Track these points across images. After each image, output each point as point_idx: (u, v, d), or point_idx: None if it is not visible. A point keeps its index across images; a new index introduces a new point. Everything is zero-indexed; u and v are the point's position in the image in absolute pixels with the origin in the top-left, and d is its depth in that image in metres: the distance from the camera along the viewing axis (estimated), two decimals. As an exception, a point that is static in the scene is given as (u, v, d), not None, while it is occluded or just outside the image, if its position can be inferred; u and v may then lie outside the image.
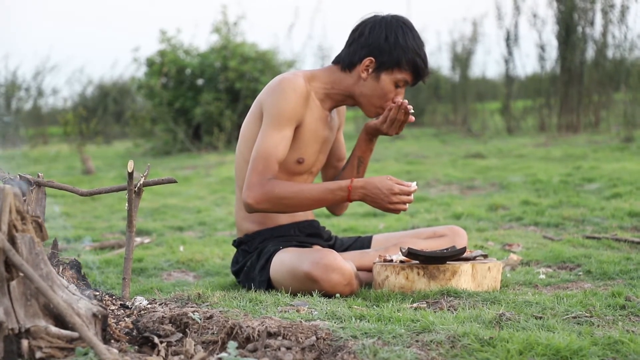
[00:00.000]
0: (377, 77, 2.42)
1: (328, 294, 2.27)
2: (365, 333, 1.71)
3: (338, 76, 2.47)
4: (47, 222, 1.74)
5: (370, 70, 2.42)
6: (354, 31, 2.47)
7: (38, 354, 1.42)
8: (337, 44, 11.73)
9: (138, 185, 2.05)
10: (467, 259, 2.39)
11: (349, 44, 2.47)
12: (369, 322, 1.83)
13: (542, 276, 2.59)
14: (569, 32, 9.13)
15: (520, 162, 6.54)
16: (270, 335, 1.65)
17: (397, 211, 2.30)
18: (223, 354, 1.59)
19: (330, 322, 1.81)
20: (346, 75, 2.46)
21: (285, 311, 1.98)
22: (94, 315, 1.56)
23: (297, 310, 1.99)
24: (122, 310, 1.89)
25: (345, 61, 2.46)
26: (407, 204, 2.31)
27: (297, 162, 2.47)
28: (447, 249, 2.37)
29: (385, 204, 2.29)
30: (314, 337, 1.65)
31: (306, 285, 2.29)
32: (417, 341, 1.66)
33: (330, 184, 2.33)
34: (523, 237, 3.42)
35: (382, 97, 2.44)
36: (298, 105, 2.39)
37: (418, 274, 2.29)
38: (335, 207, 2.68)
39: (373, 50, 2.41)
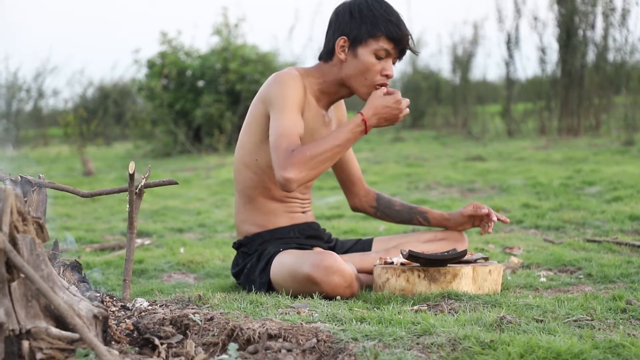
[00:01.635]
0: (355, 54, 2.42)
1: (328, 296, 2.27)
2: (366, 335, 1.70)
3: (325, 68, 2.49)
4: (47, 223, 1.73)
5: (346, 49, 2.43)
6: (328, 23, 2.50)
7: (39, 355, 1.42)
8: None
9: (139, 186, 2.05)
10: (468, 262, 2.38)
11: (325, 35, 2.50)
12: (369, 324, 1.83)
13: (543, 279, 2.59)
14: (569, 35, 9.14)
15: (520, 165, 6.54)
16: (270, 337, 1.65)
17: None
18: (223, 356, 1.59)
19: (331, 325, 1.81)
20: (330, 65, 2.47)
21: (286, 313, 1.98)
22: (95, 316, 1.56)
23: (298, 312, 1.98)
24: (122, 312, 1.89)
25: (324, 52, 2.49)
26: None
27: None
28: (448, 252, 2.37)
29: (398, 113, 2.38)
30: (314, 340, 1.65)
31: (306, 288, 2.28)
32: (417, 344, 1.66)
33: (346, 126, 2.36)
34: (524, 240, 3.42)
35: (366, 72, 2.42)
36: (300, 93, 2.42)
37: (419, 276, 2.29)
38: None
39: (343, 30, 2.42)
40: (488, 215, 2.60)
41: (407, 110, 2.40)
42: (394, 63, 2.45)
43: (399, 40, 2.40)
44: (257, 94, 2.49)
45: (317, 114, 2.50)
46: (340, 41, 2.42)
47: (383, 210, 2.76)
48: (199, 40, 32.57)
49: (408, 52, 2.46)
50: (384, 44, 2.40)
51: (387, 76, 2.43)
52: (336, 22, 2.45)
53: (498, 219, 2.61)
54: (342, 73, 2.46)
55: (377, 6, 2.40)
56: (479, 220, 2.64)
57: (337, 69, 2.46)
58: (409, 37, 2.44)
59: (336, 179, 2.81)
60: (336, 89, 2.51)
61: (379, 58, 2.41)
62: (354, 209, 2.81)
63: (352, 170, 2.75)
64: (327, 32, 2.49)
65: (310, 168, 2.28)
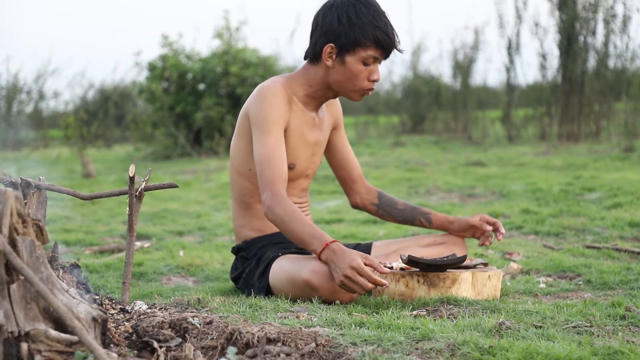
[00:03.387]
0: (342, 62, 2.39)
1: (328, 301, 2.26)
2: (365, 340, 1.70)
3: (311, 72, 2.47)
4: (47, 225, 1.74)
5: (333, 56, 2.40)
6: (312, 22, 2.46)
7: (37, 358, 1.42)
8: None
9: (139, 189, 2.05)
10: (467, 267, 2.38)
11: (310, 36, 2.46)
12: (368, 329, 1.83)
13: (542, 285, 2.59)
14: (570, 42, 9.15)
15: (520, 170, 6.54)
16: (269, 341, 1.65)
17: (348, 289, 2.15)
18: (222, 360, 1.59)
19: (330, 329, 1.81)
20: (317, 67, 2.45)
21: (285, 317, 1.98)
22: (94, 319, 1.56)
23: (297, 317, 1.98)
24: (121, 315, 1.89)
25: (311, 54, 2.46)
26: (366, 287, 2.13)
27: (288, 169, 2.47)
28: (447, 257, 2.37)
29: (339, 275, 2.14)
30: (313, 344, 1.65)
31: (305, 293, 2.28)
32: (416, 349, 1.66)
33: (318, 232, 2.24)
34: (523, 245, 3.41)
35: (354, 79, 2.40)
36: (282, 109, 2.40)
37: (418, 281, 2.29)
38: None
39: (330, 37, 2.38)
40: (494, 225, 2.59)
41: (353, 285, 2.12)
42: (379, 63, 2.44)
43: (388, 46, 2.39)
44: (243, 106, 2.49)
45: (306, 119, 2.50)
46: (328, 48, 2.39)
47: (385, 209, 2.73)
48: (200, 43, 32.61)
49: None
50: (371, 52, 2.37)
51: (374, 81, 2.43)
52: (322, 26, 2.39)
53: (495, 235, 2.61)
54: (329, 77, 2.44)
55: (364, 12, 2.35)
56: (480, 233, 2.63)
57: (323, 72, 2.44)
58: (397, 41, 2.42)
59: (336, 179, 2.79)
60: (323, 92, 2.50)
61: (366, 65, 2.40)
62: (355, 207, 2.78)
63: (351, 167, 2.73)
64: (312, 33, 2.44)
65: (273, 218, 2.29)
